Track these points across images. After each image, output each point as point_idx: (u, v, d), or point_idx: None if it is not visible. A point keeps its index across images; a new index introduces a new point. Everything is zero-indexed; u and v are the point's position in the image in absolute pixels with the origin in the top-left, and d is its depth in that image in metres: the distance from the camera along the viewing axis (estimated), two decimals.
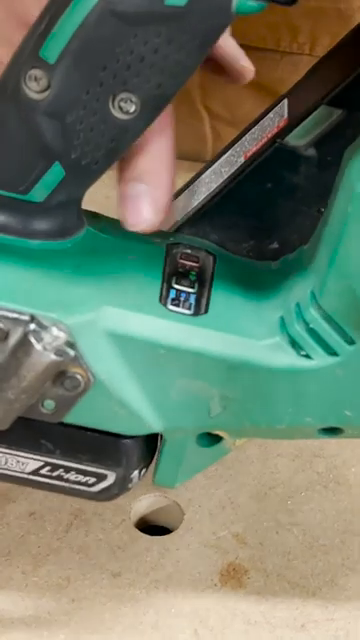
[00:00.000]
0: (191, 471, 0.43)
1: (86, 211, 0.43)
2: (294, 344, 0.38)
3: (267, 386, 0.38)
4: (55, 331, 0.36)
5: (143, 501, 0.51)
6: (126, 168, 0.41)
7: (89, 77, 0.38)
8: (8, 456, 0.41)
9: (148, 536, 0.50)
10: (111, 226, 0.42)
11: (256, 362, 0.38)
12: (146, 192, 0.40)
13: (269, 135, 0.43)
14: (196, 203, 0.45)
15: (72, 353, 0.37)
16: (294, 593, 0.48)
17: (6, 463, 0.41)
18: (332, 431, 0.40)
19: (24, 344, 0.37)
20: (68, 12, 0.37)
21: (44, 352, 0.36)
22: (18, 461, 0.41)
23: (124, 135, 0.39)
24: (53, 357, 0.36)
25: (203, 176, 0.47)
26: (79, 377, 0.38)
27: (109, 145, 0.39)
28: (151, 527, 0.51)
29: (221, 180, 0.45)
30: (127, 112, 0.38)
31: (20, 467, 0.41)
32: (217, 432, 0.41)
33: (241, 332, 0.38)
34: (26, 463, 0.41)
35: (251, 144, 0.44)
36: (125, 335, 0.38)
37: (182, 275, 0.40)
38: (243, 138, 0.46)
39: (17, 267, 0.38)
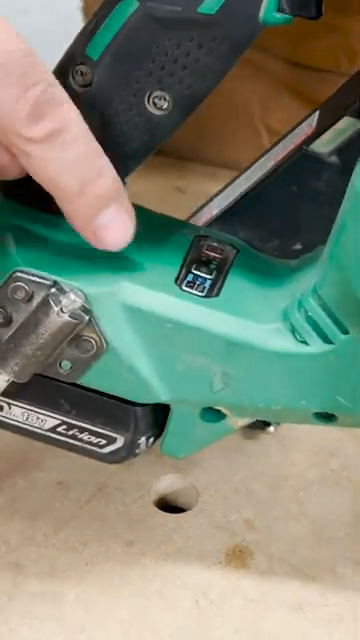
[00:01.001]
0: (196, 445, 0.46)
1: None
2: (294, 330, 0.41)
3: (265, 367, 0.42)
4: (72, 296, 0.40)
5: (163, 481, 0.54)
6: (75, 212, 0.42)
7: (127, 74, 0.42)
8: (29, 412, 0.45)
9: (163, 512, 0.53)
10: (145, 215, 0.46)
11: (256, 344, 0.41)
12: (116, 210, 0.42)
13: (297, 142, 0.46)
14: (228, 202, 0.49)
15: (87, 318, 0.41)
16: (294, 577, 0.50)
17: (27, 419, 0.45)
18: (327, 418, 0.43)
19: (44, 305, 0.41)
20: (112, 15, 0.41)
21: (60, 313, 0.40)
22: (38, 418, 0.45)
23: (157, 129, 0.43)
24: (68, 319, 0.41)
25: (239, 179, 0.50)
26: (92, 341, 0.42)
27: (143, 138, 0.43)
28: (169, 506, 0.54)
29: (251, 182, 0.48)
30: (160, 108, 0.42)
31: (39, 424, 0.45)
32: (219, 408, 0.44)
33: (246, 315, 0.41)
34: (45, 420, 0.45)
35: (281, 150, 0.47)
36: (139, 308, 0.42)
37: (203, 263, 0.44)
38: (277, 145, 0.49)
39: (51, 240, 0.42)
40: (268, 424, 0.56)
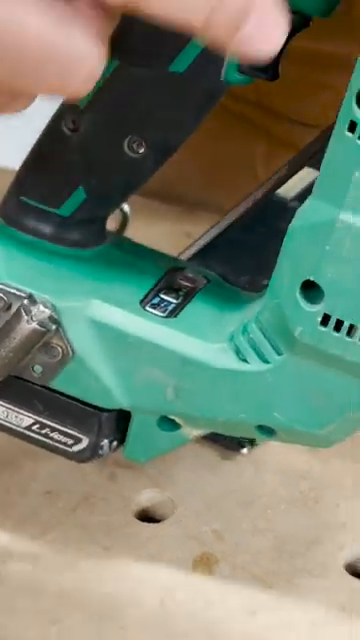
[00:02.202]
0: (155, 451, 0.52)
1: (115, 234, 0.52)
2: (237, 351, 0.46)
3: (211, 382, 0.47)
4: (42, 307, 0.47)
5: (144, 494, 0.59)
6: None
7: (108, 122, 0.48)
8: (9, 411, 0.51)
9: (141, 522, 0.58)
10: (130, 248, 0.52)
11: (203, 360, 0.47)
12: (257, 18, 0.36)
13: (267, 189, 0.52)
14: (208, 240, 0.54)
15: (54, 327, 0.47)
16: (254, 585, 0.55)
17: (7, 417, 0.51)
18: (268, 431, 0.48)
19: (17, 314, 0.47)
20: None
21: (30, 321, 0.47)
22: (17, 416, 0.51)
23: (135, 171, 0.48)
24: (36, 326, 0.47)
25: (221, 221, 0.56)
26: (59, 348, 0.48)
27: (123, 178, 0.49)
28: (147, 518, 0.59)
29: (228, 222, 0.53)
30: (137, 152, 0.48)
31: (17, 422, 0.51)
32: (173, 417, 0.49)
33: (197, 335, 0.47)
34: (22, 419, 0.51)
35: (254, 197, 0.53)
36: (103, 323, 0.48)
37: (173, 290, 0.50)
38: (254, 193, 0.55)
39: (34, 259, 0.48)
40: (243, 445, 0.60)
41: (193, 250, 0.55)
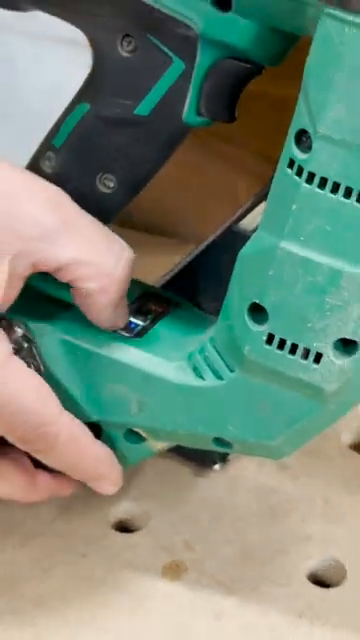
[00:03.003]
0: (123, 463, 0.55)
1: None
2: (195, 369, 0.50)
3: (170, 397, 0.51)
4: (16, 328, 0.51)
5: (120, 507, 0.63)
6: None
7: (81, 159, 0.52)
8: None
9: (117, 532, 0.61)
10: None
11: (163, 377, 0.51)
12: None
13: (230, 221, 0.56)
14: (179, 268, 0.58)
15: (26, 345, 0.51)
16: (219, 590, 0.58)
17: None
18: (224, 444, 0.51)
19: None
20: (71, 114, 0.52)
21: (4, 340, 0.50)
22: None
23: (107, 205, 0.53)
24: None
25: (192, 252, 0.60)
26: (31, 366, 0.52)
27: (96, 211, 0.53)
28: (123, 529, 0.63)
29: (198, 252, 0.58)
30: (108, 187, 0.52)
31: None
32: (138, 430, 0.53)
33: (158, 354, 0.51)
34: None
35: (223, 227, 0.57)
36: (72, 342, 0.52)
37: (142, 313, 0.54)
38: (223, 224, 0.59)
39: None
40: (215, 462, 0.64)
41: (167, 277, 0.59)
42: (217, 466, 0.64)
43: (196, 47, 0.48)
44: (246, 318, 0.47)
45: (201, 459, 0.64)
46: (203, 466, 0.65)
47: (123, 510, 0.63)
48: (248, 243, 0.47)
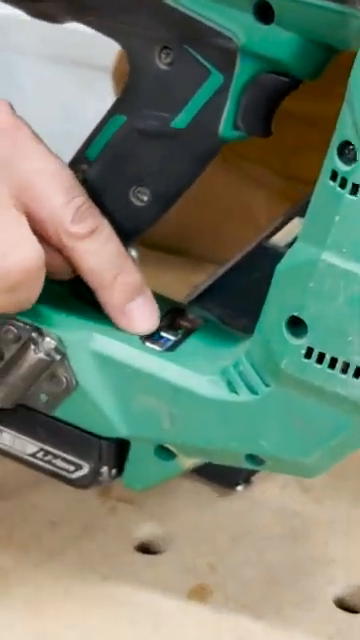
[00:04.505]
0: (151, 480, 0.55)
1: None
2: (229, 383, 0.50)
3: (203, 411, 0.50)
4: (48, 339, 0.50)
5: (143, 528, 0.62)
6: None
7: (115, 172, 0.52)
8: (15, 438, 0.54)
9: (139, 553, 0.60)
10: None
11: (196, 390, 0.50)
12: (142, 301, 0.52)
13: (261, 238, 0.56)
14: (207, 285, 0.58)
15: (58, 357, 0.50)
16: (244, 614, 0.57)
17: (14, 443, 0.54)
18: (257, 461, 0.51)
19: (26, 344, 0.51)
20: (106, 126, 0.52)
21: (37, 351, 0.50)
22: (22, 443, 0.54)
23: (139, 219, 0.52)
24: (42, 356, 0.51)
25: (219, 269, 0.60)
26: (64, 378, 0.51)
27: (128, 225, 0.53)
28: (145, 549, 0.62)
29: (226, 269, 0.57)
30: (142, 201, 0.52)
31: (22, 448, 0.54)
32: (168, 446, 0.53)
33: (191, 368, 0.50)
34: (27, 446, 0.54)
35: (252, 244, 0.57)
36: (105, 355, 0.51)
37: (173, 328, 0.53)
38: (252, 241, 0.59)
39: (41, 295, 0.52)
40: (238, 483, 0.63)
41: (195, 294, 0.59)
42: (240, 487, 0.63)
43: (235, 60, 0.48)
44: (284, 331, 0.47)
45: (223, 480, 0.64)
46: (225, 487, 0.64)
47: (145, 531, 0.62)
48: (286, 255, 0.47)
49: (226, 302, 0.57)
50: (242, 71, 0.48)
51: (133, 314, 0.52)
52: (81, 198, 0.50)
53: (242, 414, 0.49)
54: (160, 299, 0.57)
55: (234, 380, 0.50)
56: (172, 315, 0.55)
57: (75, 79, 1.29)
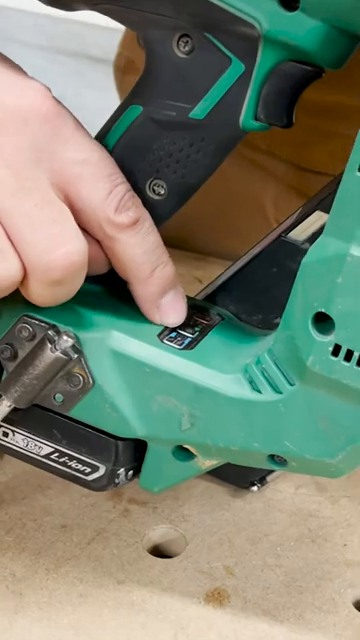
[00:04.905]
0: (168, 481, 0.53)
1: None
2: (251, 381, 0.48)
3: (225, 411, 0.49)
4: (65, 337, 0.49)
5: (157, 531, 0.60)
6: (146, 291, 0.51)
7: (132, 164, 0.50)
8: (29, 439, 0.52)
9: (154, 557, 0.59)
10: None
11: (218, 390, 0.48)
12: (174, 295, 0.51)
13: (279, 232, 0.54)
14: (222, 280, 0.56)
15: (76, 356, 0.49)
16: (265, 620, 0.56)
17: (27, 445, 0.52)
18: (279, 462, 0.49)
19: (42, 343, 0.49)
20: (122, 117, 0.50)
21: (53, 350, 0.48)
22: (36, 445, 0.52)
23: (155, 212, 0.51)
24: (59, 355, 0.49)
25: (235, 262, 0.58)
26: (81, 377, 0.50)
27: None
28: (159, 554, 0.60)
29: (241, 264, 0.56)
30: (158, 194, 0.50)
31: (37, 450, 0.53)
32: (188, 446, 0.51)
33: (212, 366, 0.49)
34: (41, 447, 0.52)
35: (267, 239, 0.55)
36: (123, 353, 0.50)
37: (190, 325, 0.52)
38: (267, 236, 0.57)
39: None
40: (253, 484, 0.62)
41: (209, 290, 0.58)
42: (255, 488, 0.62)
43: (257, 48, 0.46)
44: (310, 328, 0.45)
45: (238, 480, 0.62)
46: (240, 487, 0.63)
47: (159, 533, 0.61)
48: (311, 250, 0.46)
49: (242, 298, 0.56)
50: (264, 60, 0.47)
51: (167, 307, 0.51)
52: (124, 186, 0.49)
53: (265, 414, 0.48)
54: None
55: (257, 379, 0.48)
56: (188, 312, 0.53)
57: (71, 70, 1.27)
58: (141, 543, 0.60)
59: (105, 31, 1.14)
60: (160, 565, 0.58)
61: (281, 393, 0.47)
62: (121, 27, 0.85)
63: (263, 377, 0.48)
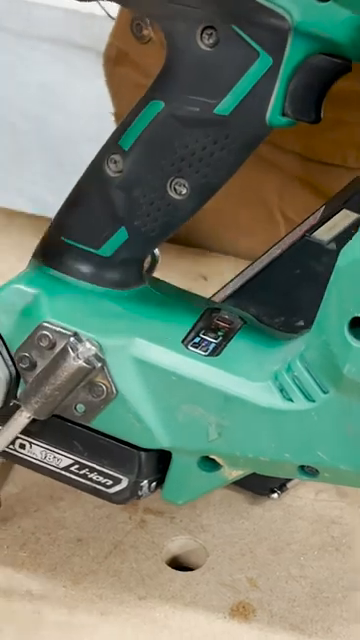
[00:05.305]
0: (193, 493, 0.51)
1: (152, 277, 0.52)
2: (282, 389, 0.46)
3: (254, 420, 0.47)
4: (88, 345, 0.47)
5: (176, 542, 0.58)
6: None
7: (153, 163, 0.48)
8: (47, 451, 0.50)
9: (174, 570, 0.57)
10: (167, 289, 0.52)
11: (247, 398, 0.46)
12: None
13: (302, 232, 0.52)
14: (242, 282, 0.54)
15: (99, 365, 0.47)
16: (293, 634, 0.54)
17: (45, 457, 0.50)
18: (310, 472, 0.47)
19: (63, 351, 0.47)
20: (143, 113, 0.48)
21: (76, 359, 0.46)
22: (55, 457, 0.50)
23: (176, 212, 0.49)
24: (82, 364, 0.47)
25: (253, 264, 0.56)
26: (104, 387, 0.48)
27: (164, 219, 0.49)
28: (179, 566, 0.58)
29: (263, 265, 0.54)
30: (180, 194, 0.48)
31: (56, 462, 0.51)
32: (214, 457, 0.49)
33: (240, 373, 0.47)
34: (60, 459, 0.50)
35: (289, 239, 0.53)
36: (147, 361, 0.47)
37: (212, 330, 0.50)
38: (287, 235, 0.55)
39: (76, 298, 0.48)
40: (273, 491, 0.60)
41: (228, 291, 0.56)
42: (275, 495, 0.60)
43: (286, 40, 0.44)
44: (346, 334, 0.43)
45: (257, 487, 0.60)
46: (259, 494, 0.61)
47: (178, 545, 0.58)
48: (345, 252, 0.43)
49: (263, 300, 0.54)
50: (293, 53, 0.44)
51: None
52: None
53: (297, 423, 0.46)
54: (195, 298, 0.53)
55: (288, 386, 0.46)
56: (209, 315, 0.51)
57: (58, 59, 1.24)
58: (160, 555, 0.57)
59: (91, 19, 1.12)
60: (181, 579, 0.56)
61: (314, 401, 0.45)
62: (104, 14, 0.83)
63: (295, 385, 0.46)
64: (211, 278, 0.78)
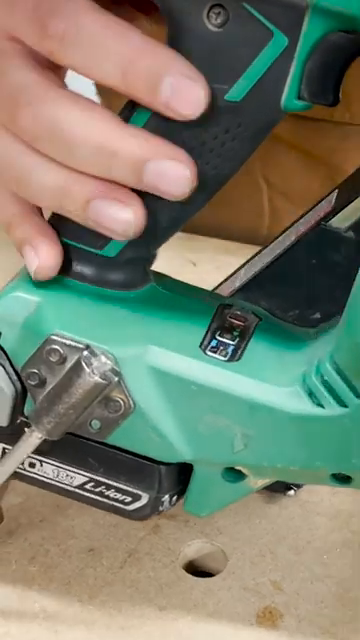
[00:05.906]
0: (217, 504, 0.48)
1: (155, 272, 0.49)
2: (310, 394, 0.43)
3: (283, 428, 0.44)
4: (103, 359, 0.43)
5: (192, 546, 0.56)
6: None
7: None
8: (60, 469, 0.47)
9: (193, 577, 0.54)
10: (173, 285, 0.49)
11: (275, 406, 0.44)
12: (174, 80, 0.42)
13: (317, 218, 0.49)
14: (251, 274, 0.51)
15: (116, 379, 0.44)
16: (323, 638, 0.51)
17: (57, 476, 0.47)
18: (343, 479, 0.45)
19: (77, 367, 0.44)
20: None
21: (92, 375, 0.43)
22: (67, 475, 0.47)
23: (183, 207, 0.45)
24: (98, 380, 0.44)
25: (262, 252, 0.53)
26: (121, 401, 0.44)
27: (172, 214, 0.46)
28: (197, 571, 0.56)
29: (274, 255, 0.51)
30: None
31: (69, 480, 0.47)
32: (240, 468, 0.46)
33: (265, 379, 0.44)
34: (74, 477, 0.47)
35: (302, 226, 0.50)
36: (165, 371, 0.44)
37: (227, 329, 0.46)
38: (299, 221, 0.52)
39: (82, 304, 0.45)
40: (289, 488, 0.57)
41: (236, 284, 0.53)
42: (292, 492, 0.57)
43: (303, 18, 0.41)
44: None
45: (272, 485, 0.57)
46: (275, 492, 0.58)
47: (194, 549, 0.56)
48: None
49: (276, 292, 0.51)
50: (310, 31, 0.41)
51: (171, 99, 0.42)
52: None
53: (329, 430, 0.43)
54: (202, 293, 0.50)
55: (317, 391, 0.43)
56: (221, 312, 0.48)
57: None
58: (177, 562, 0.55)
59: None
60: (202, 586, 0.54)
61: (347, 407, 0.43)
62: None
63: (325, 389, 0.43)
64: (200, 264, 0.75)
